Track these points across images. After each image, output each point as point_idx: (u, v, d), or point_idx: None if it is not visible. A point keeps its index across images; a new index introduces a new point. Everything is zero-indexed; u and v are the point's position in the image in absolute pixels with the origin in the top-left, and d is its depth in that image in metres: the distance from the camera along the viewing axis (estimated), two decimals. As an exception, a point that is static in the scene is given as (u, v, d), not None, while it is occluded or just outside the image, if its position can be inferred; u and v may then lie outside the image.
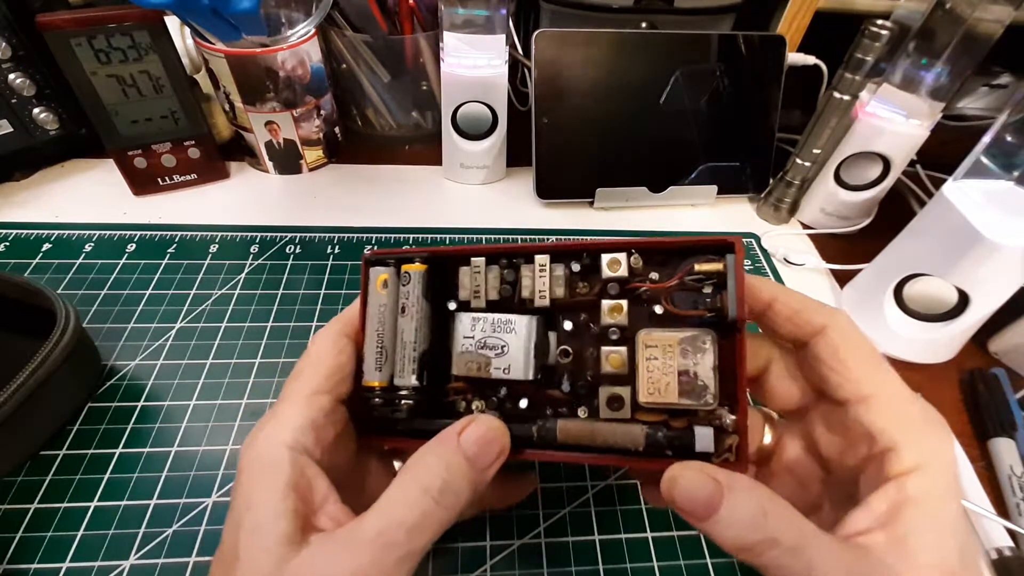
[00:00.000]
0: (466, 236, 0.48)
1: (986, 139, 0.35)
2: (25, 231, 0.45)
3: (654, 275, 0.22)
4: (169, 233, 0.46)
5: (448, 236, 0.48)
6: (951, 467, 0.19)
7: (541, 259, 0.22)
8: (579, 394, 0.22)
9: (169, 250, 0.44)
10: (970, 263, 0.35)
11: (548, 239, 0.49)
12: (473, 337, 0.23)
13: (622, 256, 0.22)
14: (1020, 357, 0.40)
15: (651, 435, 0.20)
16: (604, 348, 0.22)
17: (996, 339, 0.41)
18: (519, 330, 0.22)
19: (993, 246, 0.33)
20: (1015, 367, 0.40)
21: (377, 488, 0.22)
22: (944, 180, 0.36)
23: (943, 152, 0.47)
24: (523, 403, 0.23)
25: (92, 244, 0.44)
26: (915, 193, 0.54)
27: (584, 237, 0.49)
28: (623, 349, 0.22)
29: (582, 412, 0.22)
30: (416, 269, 0.23)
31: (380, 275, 0.23)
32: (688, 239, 0.21)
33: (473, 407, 0.23)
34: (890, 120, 0.44)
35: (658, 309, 0.22)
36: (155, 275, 0.42)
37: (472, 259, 0.23)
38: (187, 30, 0.47)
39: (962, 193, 0.36)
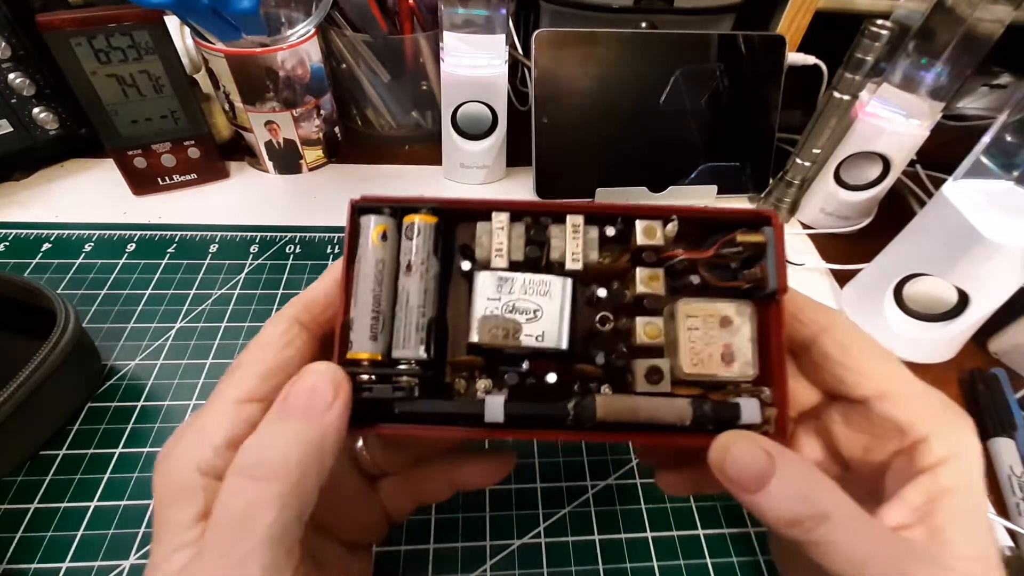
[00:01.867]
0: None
1: (986, 139, 0.35)
2: (25, 231, 0.44)
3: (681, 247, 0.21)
4: (169, 233, 0.46)
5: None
6: (979, 457, 0.19)
7: (575, 219, 0.21)
8: (615, 367, 0.21)
9: (169, 250, 0.44)
10: (970, 263, 0.35)
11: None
12: (499, 299, 0.20)
13: (658, 224, 0.21)
14: (1020, 357, 0.40)
15: (698, 408, 0.19)
16: (639, 319, 0.21)
17: (996, 339, 0.41)
18: (555, 293, 0.20)
19: (993, 246, 0.33)
20: (1015, 367, 0.40)
21: (351, 507, 0.21)
22: (944, 180, 0.36)
23: (943, 152, 0.47)
24: (551, 377, 0.21)
25: (92, 244, 0.44)
26: (915, 193, 0.54)
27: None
28: (659, 320, 0.21)
29: (606, 389, 0.21)
30: (426, 221, 0.20)
31: (379, 225, 0.20)
32: (726, 209, 0.21)
33: (479, 387, 0.21)
34: (890, 120, 0.44)
35: (694, 279, 0.21)
36: (155, 275, 0.42)
37: (494, 214, 0.21)
38: (187, 30, 0.47)
39: (962, 193, 0.35)
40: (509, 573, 0.29)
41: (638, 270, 0.21)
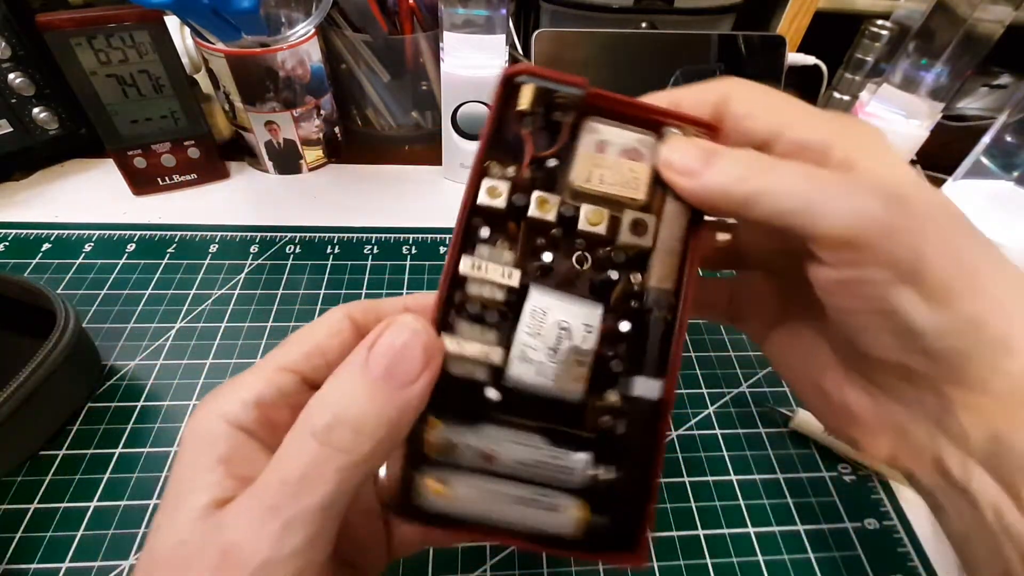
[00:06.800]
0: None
1: (986, 139, 0.35)
2: (25, 231, 0.44)
3: None
4: (169, 233, 0.46)
5: (449, 237, 0.48)
6: (894, 155, 0.17)
7: None
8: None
9: (169, 250, 0.44)
10: (970, 263, 0.35)
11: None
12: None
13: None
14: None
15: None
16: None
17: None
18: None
19: (993, 246, 0.33)
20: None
21: (358, 521, 0.20)
22: (944, 180, 0.36)
23: (943, 152, 0.47)
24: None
25: (92, 244, 0.44)
26: (915, 193, 0.54)
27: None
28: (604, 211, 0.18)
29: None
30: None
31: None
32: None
33: None
34: (890, 120, 0.44)
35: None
36: (155, 275, 0.42)
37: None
38: (187, 30, 0.47)
39: (962, 193, 0.36)
40: (509, 573, 0.29)
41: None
